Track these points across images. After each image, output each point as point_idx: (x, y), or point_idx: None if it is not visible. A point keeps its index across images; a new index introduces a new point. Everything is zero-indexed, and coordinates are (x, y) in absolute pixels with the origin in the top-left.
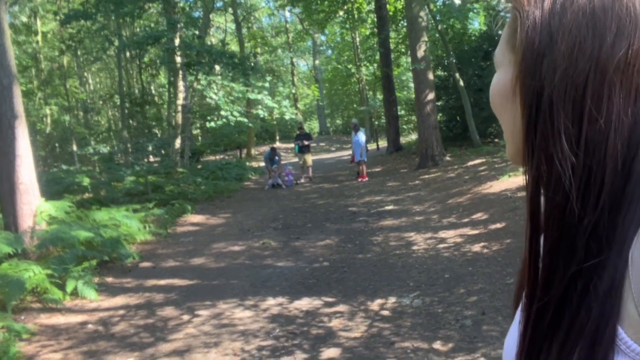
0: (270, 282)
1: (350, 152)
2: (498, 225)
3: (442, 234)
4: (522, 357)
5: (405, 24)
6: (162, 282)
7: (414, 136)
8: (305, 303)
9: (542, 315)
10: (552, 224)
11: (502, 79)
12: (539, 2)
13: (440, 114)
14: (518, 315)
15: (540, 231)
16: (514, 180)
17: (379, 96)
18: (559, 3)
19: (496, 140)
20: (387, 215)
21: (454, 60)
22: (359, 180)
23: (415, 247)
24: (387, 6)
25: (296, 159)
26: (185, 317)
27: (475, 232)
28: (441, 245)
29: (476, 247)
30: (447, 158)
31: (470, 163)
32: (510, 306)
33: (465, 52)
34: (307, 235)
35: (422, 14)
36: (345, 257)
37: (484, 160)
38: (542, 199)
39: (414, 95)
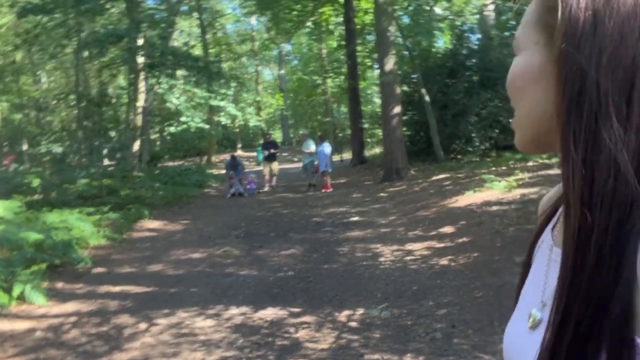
0: (233, 291)
1: (300, 164)
2: (464, 239)
3: (409, 247)
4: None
5: (374, 37)
6: (117, 288)
7: (377, 149)
8: (269, 313)
9: (570, 321)
10: (603, 212)
11: (527, 61)
12: None
13: (405, 129)
14: (521, 313)
15: (594, 225)
16: (480, 196)
17: (344, 108)
18: None
19: (459, 156)
20: (352, 226)
21: (420, 76)
22: (323, 190)
23: (382, 259)
24: (356, 20)
25: (258, 168)
26: (142, 326)
27: (442, 245)
28: (408, 258)
29: (443, 260)
30: (412, 172)
31: (435, 177)
32: (481, 319)
33: (431, 68)
34: (271, 244)
35: (390, 28)
36: (311, 267)
37: (448, 175)
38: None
39: (379, 109)
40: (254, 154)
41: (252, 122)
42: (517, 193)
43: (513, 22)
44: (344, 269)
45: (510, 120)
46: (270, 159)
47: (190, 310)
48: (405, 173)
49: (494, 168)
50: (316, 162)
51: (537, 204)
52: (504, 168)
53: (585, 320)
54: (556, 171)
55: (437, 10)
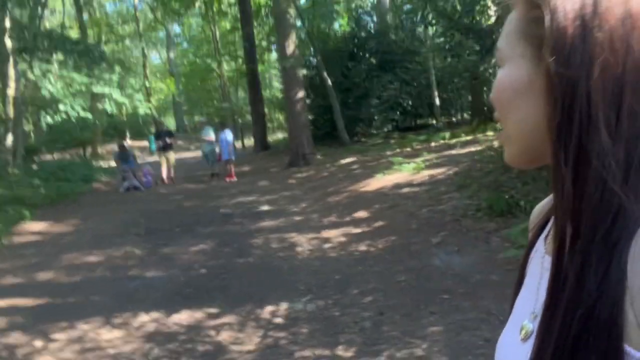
0: (140, 295)
1: (199, 152)
2: (381, 223)
3: (326, 234)
4: None
5: (272, 19)
6: (2, 303)
7: (280, 135)
8: (185, 317)
9: (566, 328)
10: (589, 222)
11: (514, 73)
12: None
13: (308, 113)
14: (514, 324)
15: (580, 234)
16: (389, 178)
17: (242, 93)
18: None
19: (363, 139)
20: (263, 216)
21: (321, 60)
22: (227, 180)
23: (299, 249)
24: (251, 1)
25: (152, 159)
26: (38, 344)
27: (359, 230)
28: (326, 246)
29: (362, 246)
30: (319, 157)
31: (343, 161)
32: (407, 304)
33: (331, 52)
34: (177, 240)
35: (290, 10)
36: (225, 262)
37: (355, 159)
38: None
39: (279, 93)
40: (146, 143)
41: (142, 110)
42: (425, 174)
43: (409, 5)
44: (260, 262)
45: (497, 136)
46: (165, 149)
47: (93, 321)
48: (312, 158)
49: (398, 150)
50: (218, 150)
51: (445, 183)
52: (408, 150)
53: (572, 329)
54: (458, 151)
55: None
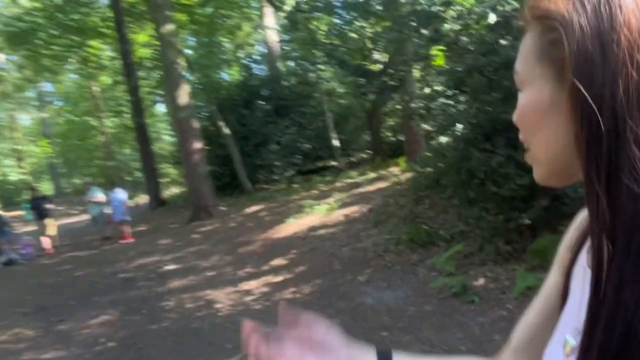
0: None
1: (86, 216)
2: (302, 268)
3: (245, 286)
4: None
5: (158, 71)
6: None
7: (175, 189)
8: None
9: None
10: (625, 239)
11: (537, 96)
12: (581, 8)
13: (206, 164)
14: (558, 339)
15: (615, 252)
16: (302, 222)
17: (127, 150)
18: (604, 5)
19: (266, 186)
20: (171, 276)
21: (216, 109)
22: (122, 242)
23: (218, 305)
24: (133, 53)
25: (30, 228)
26: None
27: (280, 278)
28: (248, 298)
29: (287, 294)
30: (222, 208)
31: (249, 210)
32: None
33: (226, 100)
34: (74, 314)
35: (179, 60)
36: (135, 331)
37: (262, 206)
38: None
39: (168, 146)
40: (21, 212)
41: (15, 176)
42: (339, 214)
43: (295, 53)
44: (177, 326)
45: (525, 156)
46: (43, 216)
47: None
48: (215, 210)
49: (305, 193)
50: (108, 211)
51: (361, 221)
52: (315, 192)
53: (612, 346)
54: (367, 188)
55: (224, 42)
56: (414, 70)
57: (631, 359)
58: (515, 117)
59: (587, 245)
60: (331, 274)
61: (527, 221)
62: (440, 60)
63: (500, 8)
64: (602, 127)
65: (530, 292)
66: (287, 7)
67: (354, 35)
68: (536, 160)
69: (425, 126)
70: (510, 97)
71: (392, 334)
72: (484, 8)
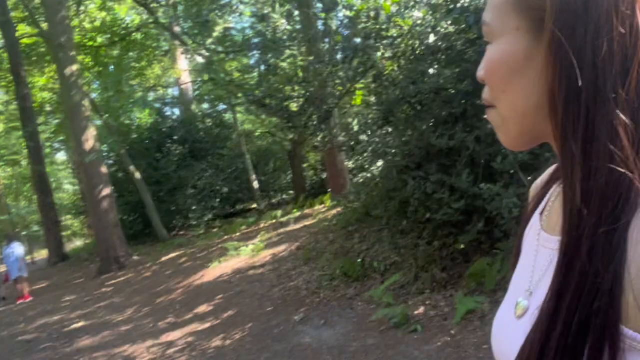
0: None
1: None
2: (231, 313)
3: (167, 338)
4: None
5: (59, 115)
6: None
7: (79, 242)
8: None
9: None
10: (598, 202)
11: (509, 49)
12: None
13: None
14: (509, 301)
15: (589, 215)
16: (227, 265)
17: (23, 202)
18: None
19: (183, 232)
20: (80, 334)
21: (126, 153)
22: (20, 302)
23: None
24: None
25: None
26: None
27: (207, 325)
28: (171, 350)
29: (216, 342)
30: (135, 258)
31: (165, 258)
32: None
33: (137, 144)
34: None
35: (84, 102)
36: None
37: (180, 253)
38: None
39: (67, 196)
40: None
41: None
42: (266, 255)
43: (212, 96)
44: None
45: (486, 116)
46: None
47: None
48: (128, 260)
49: (227, 236)
50: (2, 270)
51: (289, 260)
52: (238, 234)
53: (579, 310)
54: (293, 227)
55: (134, 85)
56: (341, 104)
57: (593, 323)
58: (483, 72)
59: (541, 207)
60: (263, 316)
61: (462, 246)
62: (359, 100)
63: (440, 30)
64: (582, 83)
65: (471, 316)
66: (201, 49)
67: (284, 65)
68: (504, 119)
69: (350, 161)
70: (440, 124)
71: None
72: (425, 28)
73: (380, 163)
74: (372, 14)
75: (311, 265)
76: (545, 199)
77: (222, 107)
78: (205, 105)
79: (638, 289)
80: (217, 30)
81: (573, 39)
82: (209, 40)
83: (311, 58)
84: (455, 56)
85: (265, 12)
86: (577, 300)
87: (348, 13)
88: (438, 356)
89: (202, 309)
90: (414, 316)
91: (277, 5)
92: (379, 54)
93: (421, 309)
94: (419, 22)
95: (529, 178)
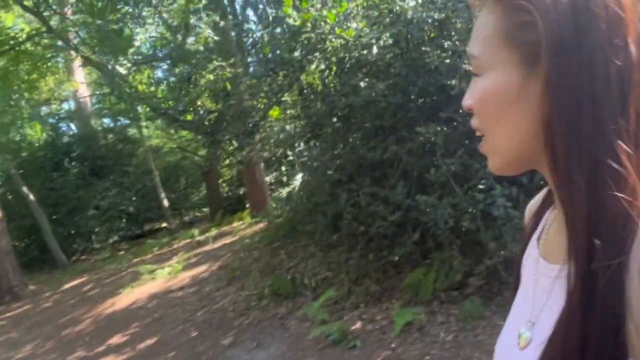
0: None
1: None
2: (149, 342)
3: None
4: None
5: None
6: None
7: None
8: None
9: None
10: (603, 230)
11: (501, 81)
12: None
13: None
14: (511, 330)
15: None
16: (141, 290)
17: None
18: None
19: (85, 257)
20: None
21: (17, 173)
22: None
23: None
24: None
25: None
26: None
27: (123, 357)
28: None
29: None
30: (31, 287)
31: (67, 286)
32: None
33: (29, 163)
34: None
35: None
36: None
37: (84, 279)
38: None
39: None
40: None
41: None
42: (185, 276)
43: (114, 110)
44: None
45: (480, 146)
46: None
47: None
48: (23, 290)
49: (139, 259)
50: None
51: (212, 281)
52: (151, 256)
53: (588, 342)
54: (212, 246)
55: (25, 98)
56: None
57: (602, 356)
58: (472, 102)
59: (537, 233)
60: (187, 342)
61: (396, 258)
62: (276, 113)
63: (381, 42)
64: (580, 115)
65: (410, 328)
66: (102, 61)
67: (210, 77)
68: (495, 150)
69: (271, 176)
70: (371, 136)
71: None
72: (369, 39)
73: (299, 176)
74: (315, 23)
75: (236, 284)
76: (541, 225)
77: (125, 121)
78: (106, 120)
79: (639, 318)
80: (122, 41)
81: (569, 73)
82: (112, 51)
83: (240, 70)
84: (385, 69)
85: (191, 20)
86: (589, 333)
87: (292, 22)
88: None
89: (116, 339)
90: (351, 331)
91: (204, 15)
92: (313, 66)
93: (358, 324)
94: (361, 34)
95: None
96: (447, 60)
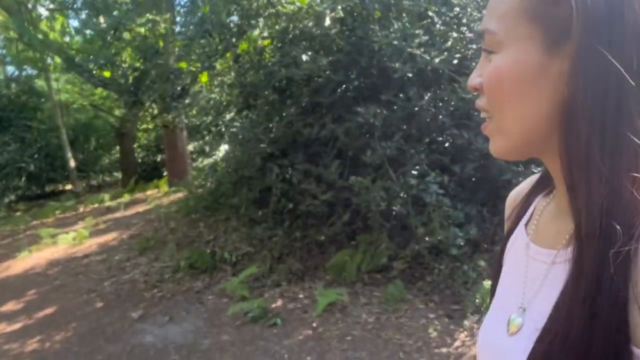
0: None
1: None
2: (49, 311)
3: None
4: None
5: None
6: None
7: None
8: None
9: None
10: (621, 218)
11: (522, 58)
12: None
13: None
14: (498, 316)
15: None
16: (41, 255)
17: None
18: None
19: None
20: None
21: None
22: None
23: None
24: None
25: None
26: None
27: (18, 326)
28: None
29: (31, 345)
30: None
31: None
32: None
33: None
34: None
35: None
36: None
37: None
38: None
39: None
40: None
41: None
42: (91, 244)
43: (15, 56)
44: None
45: (484, 127)
46: None
47: None
48: None
49: (39, 221)
50: None
51: (121, 250)
52: (51, 219)
53: (590, 330)
54: (123, 213)
55: None
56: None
57: (603, 343)
58: (482, 80)
59: (525, 219)
60: (92, 314)
61: (322, 238)
62: (204, 78)
63: (335, 11)
64: (609, 97)
65: (332, 308)
66: (12, 2)
67: (141, 31)
68: (503, 131)
69: (193, 144)
70: (308, 112)
71: None
72: (323, 9)
73: (223, 147)
74: None
75: (149, 255)
76: (530, 211)
77: (32, 72)
78: (10, 68)
79: None
80: None
81: (600, 51)
82: None
83: (172, 27)
84: (328, 45)
85: None
86: (596, 317)
87: None
88: (300, 350)
89: (10, 306)
90: (272, 309)
91: None
92: (256, 32)
93: (279, 302)
94: (313, 3)
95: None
96: (395, 42)
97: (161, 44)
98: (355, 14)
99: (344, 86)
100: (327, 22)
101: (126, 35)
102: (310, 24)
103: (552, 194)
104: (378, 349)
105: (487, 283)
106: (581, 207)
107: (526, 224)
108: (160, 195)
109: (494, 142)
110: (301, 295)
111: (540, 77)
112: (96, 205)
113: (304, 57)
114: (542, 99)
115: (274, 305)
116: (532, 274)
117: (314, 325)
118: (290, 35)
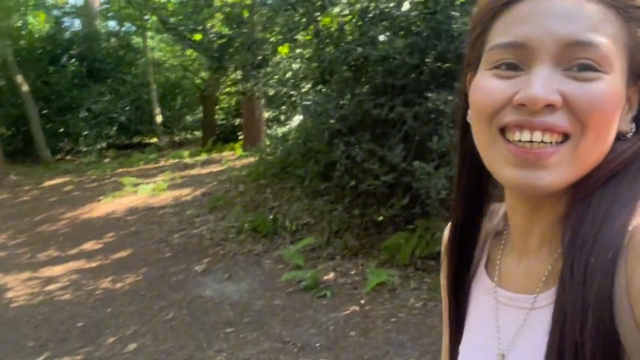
0: None
1: None
2: (123, 254)
3: (47, 272)
4: None
5: None
6: None
7: None
8: None
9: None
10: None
11: (619, 84)
12: None
13: None
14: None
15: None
16: (122, 202)
17: None
18: None
19: (69, 157)
20: None
21: (13, 60)
22: None
23: (11, 294)
24: None
25: None
26: None
27: (95, 264)
28: (52, 287)
29: (105, 283)
30: (13, 177)
31: (49, 183)
32: (186, 345)
33: (27, 52)
34: None
35: None
36: None
37: (67, 179)
38: None
39: None
40: None
41: None
42: (167, 196)
43: (117, 12)
44: None
45: (550, 150)
46: None
47: None
48: (4, 179)
49: (123, 169)
50: None
51: (193, 206)
52: (136, 169)
53: None
54: (199, 171)
55: None
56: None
57: None
58: (584, 101)
59: (483, 260)
60: (160, 262)
61: (381, 218)
62: (285, 50)
63: None
64: None
65: (381, 288)
66: None
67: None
68: (579, 161)
69: (269, 112)
70: (380, 93)
71: (238, 330)
72: None
73: (297, 118)
74: None
75: (217, 214)
76: (486, 250)
77: (131, 28)
78: (112, 23)
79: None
80: None
81: None
82: None
83: None
84: (407, 27)
85: None
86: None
87: None
88: (345, 324)
89: (90, 245)
90: (323, 281)
91: None
92: (337, 9)
93: (331, 275)
94: None
95: None
96: None
97: (246, 14)
98: None
99: (418, 70)
100: (407, 6)
101: (217, 1)
102: (392, 4)
103: (502, 235)
104: (421, 334)
105: None
106: (576, 246)
107: (486, 265)
108: (234, 157)
109: (557, 173)
110: (353, 272)
111: (620, 106)
112: (176, 160)
113: (381, 38)
114: (614, 131)
115: (325, 278)
116: (507, 320)
117: (362, 302)
118: (371, 15)
